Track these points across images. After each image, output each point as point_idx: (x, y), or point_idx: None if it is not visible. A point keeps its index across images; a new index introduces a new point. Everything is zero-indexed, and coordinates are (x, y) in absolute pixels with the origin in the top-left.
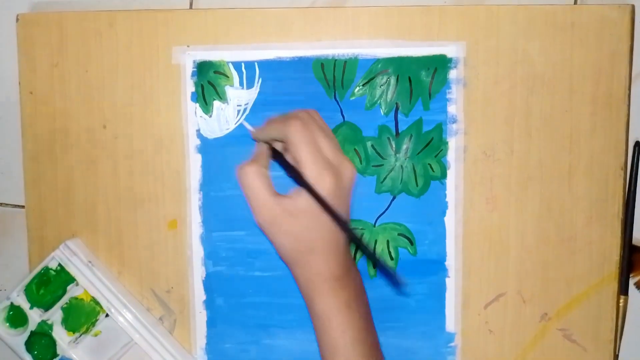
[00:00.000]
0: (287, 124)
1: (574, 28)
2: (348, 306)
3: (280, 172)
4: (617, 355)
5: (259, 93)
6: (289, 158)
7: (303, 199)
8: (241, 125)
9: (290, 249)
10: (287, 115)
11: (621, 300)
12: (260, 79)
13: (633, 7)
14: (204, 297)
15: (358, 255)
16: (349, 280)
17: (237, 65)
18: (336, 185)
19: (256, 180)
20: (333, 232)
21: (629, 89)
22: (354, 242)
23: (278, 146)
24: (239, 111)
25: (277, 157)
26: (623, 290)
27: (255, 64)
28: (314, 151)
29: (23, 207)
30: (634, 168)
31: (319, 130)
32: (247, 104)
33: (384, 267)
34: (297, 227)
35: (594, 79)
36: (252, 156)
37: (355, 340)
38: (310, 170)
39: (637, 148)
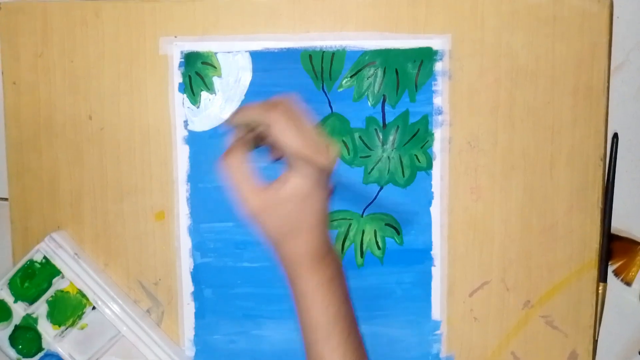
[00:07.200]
0: (269, 111)
1: (556, 21)
2: (330, 284)
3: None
4: (596, 340)
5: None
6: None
7: (290, 184)
8: None
9: (275, 232)
10: (266, 102)
11: (600, 288)
12: (248, 70)
13: (612, 1)
14: (192, 289)
15: (346, 245)
16: (330, 260)
17: (225, 56)
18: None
19: (239, 171)
20: (317, 214)
21: (608, 82)
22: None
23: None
24: (227, 102)
25: (260, 141)
26: (602, 277)
27: (243, 55)
28: (299, 137)
29: (7, 199)
30: (612, 159)
31: (299, 117)
32: (235, 95)
33: None
34: (284, 212)
35: (575, 72)
36: (231, 145)
37: (337, 316)
38: (301, 155)
39: (615, 140)
